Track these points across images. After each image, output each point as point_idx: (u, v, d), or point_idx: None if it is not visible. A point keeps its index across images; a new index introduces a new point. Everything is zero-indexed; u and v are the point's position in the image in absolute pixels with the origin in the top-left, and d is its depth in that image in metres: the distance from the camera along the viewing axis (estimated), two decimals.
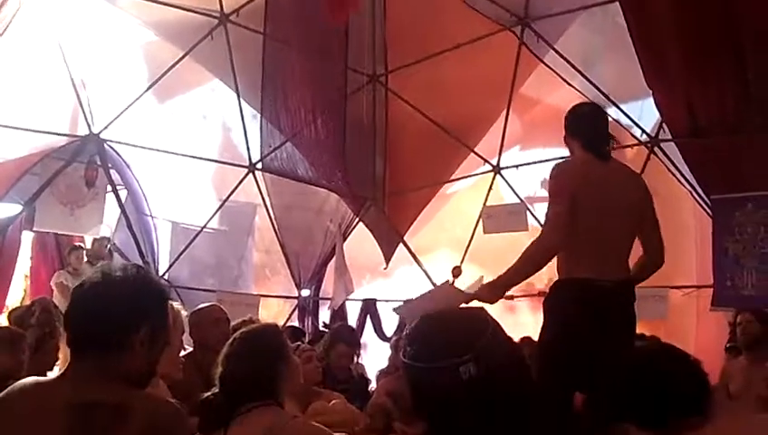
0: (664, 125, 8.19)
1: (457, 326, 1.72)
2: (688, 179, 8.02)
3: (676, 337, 8.28)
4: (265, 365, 2.91)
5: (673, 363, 2.52)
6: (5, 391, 2.08)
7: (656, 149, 8.36)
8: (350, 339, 6.58)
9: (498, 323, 1.75)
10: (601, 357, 3.70)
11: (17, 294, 10.03)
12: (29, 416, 1.97)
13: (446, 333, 1.71)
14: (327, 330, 8.43)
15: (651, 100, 7.93)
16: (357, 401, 5.51)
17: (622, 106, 8.77)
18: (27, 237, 10.04)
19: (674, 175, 8.17)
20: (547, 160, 9.96)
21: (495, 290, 3.87)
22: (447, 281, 3.95)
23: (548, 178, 4.16)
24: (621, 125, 8.80)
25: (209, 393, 2.91)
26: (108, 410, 1.91)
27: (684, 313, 8.25)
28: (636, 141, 8.76)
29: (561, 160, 4.33)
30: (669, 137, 8.11)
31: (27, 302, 8.90)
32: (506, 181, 10.00)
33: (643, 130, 8.63)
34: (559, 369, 3.61)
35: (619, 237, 4.04)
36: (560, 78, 8.66)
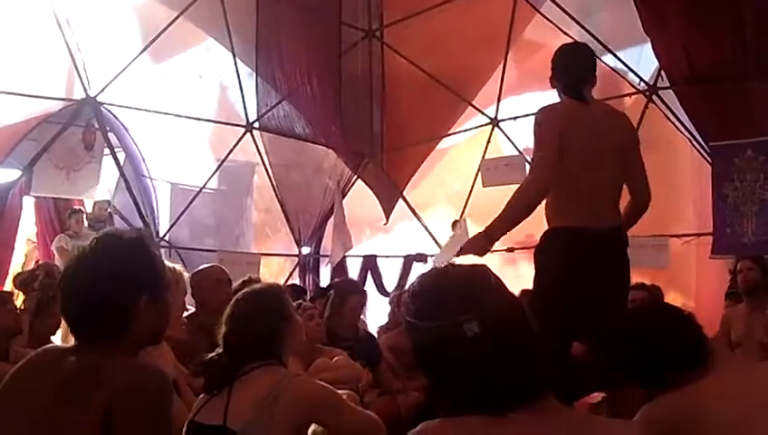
0: (662, 73, 8.15)
1: (460, 284, 1.72)
2: (687, 127, 7.99)
3: (676, 286, 8.34)
4: (267, 325, 2.93)
5: (665, 324, 2.55)
6: (27, 357, 2.15)
7: (654, 97, 8.32)
8: (360, 289, 6.60)
9: (500, 279, 1.76)
10: (595, 305, 3.72)
11: (19, 258, 10.08)
12: (33, 380, 2.02)
13: (448, 290, 1.71)
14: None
15: (649, 47, 7.87)
16: (361, 358, 5.55)
17: (620, 54, 8.72)
18: (29, 202, 10.04)
19: (672, 123, 8.15)
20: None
21: (485, 237, 3.85)
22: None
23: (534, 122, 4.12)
24: (619, 73, 8.76)
25: (213, 354, 2.92)
26: (82, 376, 1.93)
27: (684, 261, 8.28)
28: (634, 90, 8.71)
29: (545, 105, 4.25)
30: (667, 84, 8.07)
31: (28, 267, 8.97)
32: (504, 133, 9.98)
33: (641, 79, 8.58)
34: (553, 318, 3.59)
35: (608, 181, 3.99)
36: (557, 28, 8.58)
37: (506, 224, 3.89)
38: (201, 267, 5.16)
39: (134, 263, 2.10)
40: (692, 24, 7.26)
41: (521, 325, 1.71)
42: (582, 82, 4.12)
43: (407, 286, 8.75)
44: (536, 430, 1.60)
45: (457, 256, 3.92)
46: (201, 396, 2.97)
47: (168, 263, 3.67)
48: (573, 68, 4.19)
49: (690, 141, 8.03)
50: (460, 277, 1.76)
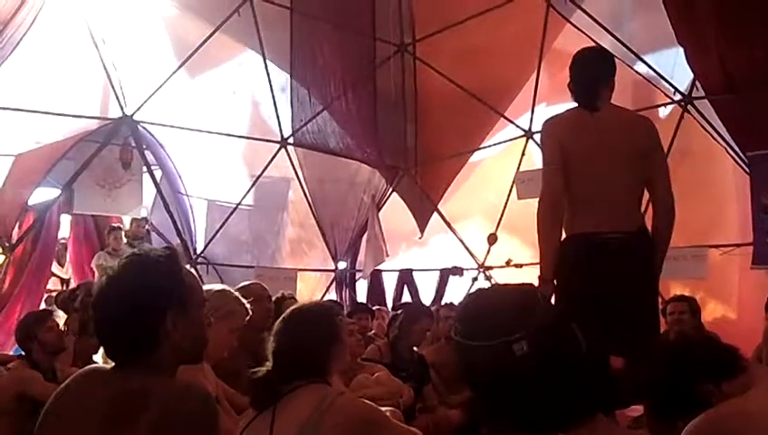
0: (697, 82, 8.07)
1: (508, 303, 1.72)
2: (724, 137, 7.89)
3: (716, 296, 8.23)
4: (318, 344, 2.93)
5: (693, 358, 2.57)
6: (72, 376, 2.16)
7: (689, 107, 8.23)
8: (430, 312, 6.67)
9: (548, 298, 1.76)
10: (615, 311, 3.67)
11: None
12: (78, 403, 2.04)
13: (497, 310, 1.71)
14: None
15: (683, 57, 7.80)
16: (413, 379, 5.60)
17: (653, 63, 8.64)
18: (65, 221, 10.17)
19: (709, 133, 8.05)
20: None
21: (543, 283, 3.85)
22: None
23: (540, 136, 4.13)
24: (653, 83, 8.69)
25: (263, 369, 2.93)
26: (129, 397, 1.95)
27: (724, 271, 8.16)
28: (669, 100, 8.63)
29: (550, 117, 4.23)
30: (702, 94, 7.99)
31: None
32: (538, 145, 9.91)
33: (676, 89, 8.50)
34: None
35: (621, 187, 3.94)
36: (588, 38, 8.54)
37: (548, 254, 3.91)
38: (241, 284, 5.19)
39: (159, 280, 2.09)
40: (726, 33, 7.18)
41: (570, 344, 1.70)
42: (593, 86, 4.07)
43: (443, 300, 8.74)
44: None
45: None
46: (245, 414, 2.99)
47: (230, 290, 3.70)
48: (584, 73, 4.15)
49: (727, 151, 7.93)
50: (508, 296, 1.76)
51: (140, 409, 1.91)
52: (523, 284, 1.83)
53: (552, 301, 3.92)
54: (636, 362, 3.43)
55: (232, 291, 3.71)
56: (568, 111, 4.15)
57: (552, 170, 3.91)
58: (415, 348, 6.26)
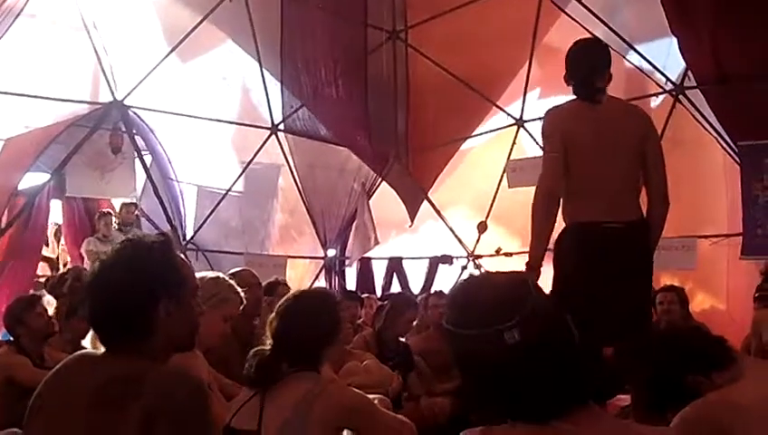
0: (689, 72, 8.07)
1: (500, 291, 1.71)
2: (715, 127, 7.91)
3: (706, 287, 8.27)
4: (320, 333, 2.94)
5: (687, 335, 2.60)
6: (62, 362, 2.17)
7: (681, 97, 8.24)
8: (415, 303, 6.73)
9: (540, 287, 1.75)
10: (612, 299, 3.70)
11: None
12: (69, 388, 2.04)
13: (488, 298, 1.70)
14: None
15: (676, 47, 7.80)
16: (398, 367, 5.63)
17: (646, 53, 8.64)
18: (56, 205, 10.13)
19: (700, 123, 8.07)
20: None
21: (530, 270, 3.85)
22: None
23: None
24: (645, 73, 8.69)
25: (265, 347, 2.93)
26: (119, 383, 1.95)
27: (714, 262, 8.19)
28: (660, 89, 8.64)
29: (551, 107, 4.25)
30: (694, 84, 8.00)
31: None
32: (530, 134, 9.92)
33: (668, 79, 8.51)
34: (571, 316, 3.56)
35: (619, 177, 3.98)
36: (582, 27, 8.53)
37: (539, 242, 3.94)
38: (232, 271, 5.18)
39: (153, 267, 2.10)
40: (719, 23, 7.18)
41: (562, 333, 1.70)
42: (592, 77, 4.09)
43: (433, 289, 8.75)
44: None
45: None
46: (235, 400, 2.99)
47: (224, 277, 3.70)
48: (582, 64, 4.17)
49: (718, 141, 7.95)
50: (500, 285, 1.75)
51: (132, 395, 1.90)
52: (514, 271, 1.82)
53: (549, 290, 3.95)
54: (626, 352, 3.44)
55: (226, 278, 3.70)
56: (569, 101, 4.17)
57: (552, 159, 3.93)
58: (402, 338, 6.29)
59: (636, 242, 3.95)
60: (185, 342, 2.22)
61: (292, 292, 3.12)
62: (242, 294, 3.70)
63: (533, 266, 3.88)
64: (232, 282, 3.71)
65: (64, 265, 9.46)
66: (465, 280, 1.90)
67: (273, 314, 3.01)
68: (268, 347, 2.90)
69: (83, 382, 1.99)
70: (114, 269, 2.07)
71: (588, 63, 4.15)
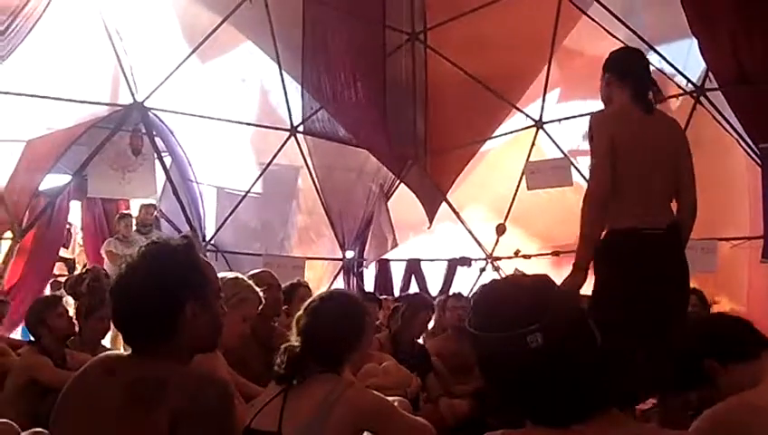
0: (710, 74, 8.02)
1: (524, 295, 1.71)
2: (736, 129, 7.86)
3: (726, 290, 8.21)
4: (349, 336, 2.95)
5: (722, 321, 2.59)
6: (88, 362, 2.20)
7: (702, 98, 8.19)
8: (431, 304, 6.73)
9: (564, 291, 1.76)
10: (657, 305, 3.69)
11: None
12: (95, 390, 2.05)
13: (512, 301, 1.70)
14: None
15: (696, 48, 7.76)
16: (415, 369, 5.62)
17: (666, 54, 8.60)
18: (75, 207, 10.21)
19: (721, 124, 8.02)
20: (591, 113, 9.83)
21: (577, 271, 3.85)
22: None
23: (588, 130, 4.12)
24: (666, 75, 8.65)
25: (294, 344, 2.93)
26: (147, 385, 1.96)
27: (734, 265, 8.15)
28: (681, 91, 8.59)
29: (597, 111, 4.22)
30: (715, 86, 7.95)
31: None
32: (549, 136, 9.89)
33: (689, 80, 8.47)
34: (615, 321, 3.56)
35: (662, 188, 3.98)
36: (602, 29, 8.49)
37: (588, 246, 3.91)
38: (251, 272, 5.20)
39: (179, 269, 2.13)
40: (740, 24, 7.15)
41: (584, 337, 1.70)
42: (646, 85, 4.09)
43: (451, 291, 8.74)
44: None
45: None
46: (257, 400, 3.00)
47: (243, 277, 3.72)
48: (637, 64, 4.19)
49: (739, 143, 7.90)
50: (523, 288, 1.76)
51: (159, 396, 1.93)
52: (538, 275, 1.82)
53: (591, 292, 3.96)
54: (659, 354, 3.44)
55: (245, 278, 3.72)
56: (614, 105, 4.15)
57: (602, 165, 3.91)
58: (418, 340, 6.29)
59: (676, 246, 3.95)
60: (209, 343, 2.24)
61: (321, 292, 3.12)
62: (261, 294, 3.72)
63: (582, 268, 3.88)
64: (250, 282, 3.73)
65: (82, 267, 9.54)
66: (488, 284, 1.92)
67: (302, 311, 3.01)
68: (297, 344, 2.91)
69: (111, 384, 2.02)
70: (140, 272, 2.09)
71: (642, 65, 4.19)
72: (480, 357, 1.75)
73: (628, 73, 4.14)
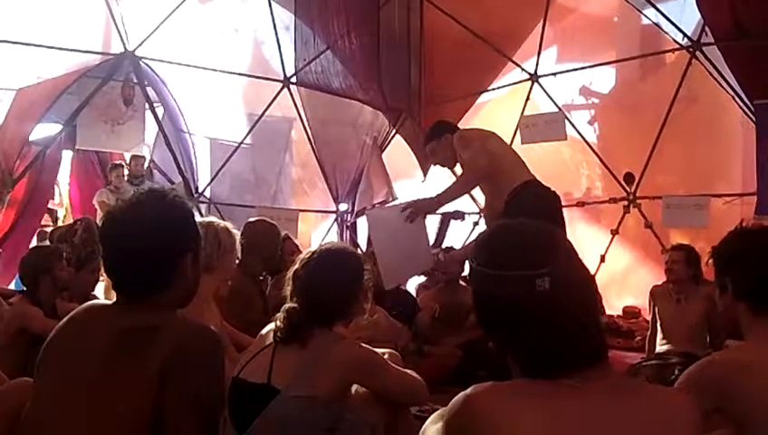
0: (706, 28, 7.95)
1: (535, 238, 1.72)
2: (731, 85, 7.81)
3: None
4: (353, 292, 2.94)
5: None
6: (75, 310, 2.18)
7: (698, 53, 8.13)
8: None
9: (572, 244, 1.75)
10: None
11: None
12: (82, 337, 2.06)
13: (524, 243, 1.70)
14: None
15: (693, 2, 7.67)
16: (402, 314, 5.63)
17: (662, 7, 8.51)
18: (66, 156, 10.17)
19: (716, 80, 7.97)
20: (584, 67, 9.78)
21: None
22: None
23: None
24: (661, 29, 8.59)
25: (294, 305, 2.89)
26: (139, 333, 1.97)
27: (726, 221, 8.13)
28: (677, 45, 8.53)
29: None
30: (711, 41, 7.88)
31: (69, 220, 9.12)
32: (544, 89, 9.83)
33: (684, 34, 8.39)
34: None
35: None
36: None
37: None
38: (251, 220, 5.28)
39: (180, 220, 2.14)
40: None
41: (589, 289, 1.72)
42: None
43: (443, 245, 8.75)
44: (588, 397, 1.60)
45: None
46: (246, 351, 3.01)
47: (226, 224, 3.73)
48: None
49: (734, 99, 7.85)
50: (535, 232, 1.75)
51: (149, 345, 1.93)
52: (548, 225, 1.82)
53: None
54: None
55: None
56: None
57: None
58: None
59: None
60: (190, 297, 2.24)
61: (319, 246, 3.08)
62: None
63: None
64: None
65: (63, 217, 9.54)
66: (499, 223, 1.90)
67: (299, 265, 2.99)
68: (295, 305, 2.89)
69: (99, 332, 2.01)
70: (141, 219, 2.08)
71: None
72: (480, 296, 1.75)
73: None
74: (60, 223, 9.88)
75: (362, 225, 11.21)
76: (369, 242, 7.46)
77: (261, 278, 4.98)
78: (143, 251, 2.05)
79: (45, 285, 4.83)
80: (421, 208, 4.68)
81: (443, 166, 5.50)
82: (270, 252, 4.98)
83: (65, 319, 2.15)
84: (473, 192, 10.80)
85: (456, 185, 5.01)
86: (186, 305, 2.20)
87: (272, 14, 9.77)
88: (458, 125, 10.66)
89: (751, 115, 7.61)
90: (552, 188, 4.97)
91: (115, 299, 2.15)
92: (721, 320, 2.80)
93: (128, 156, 10.14)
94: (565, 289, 1.62)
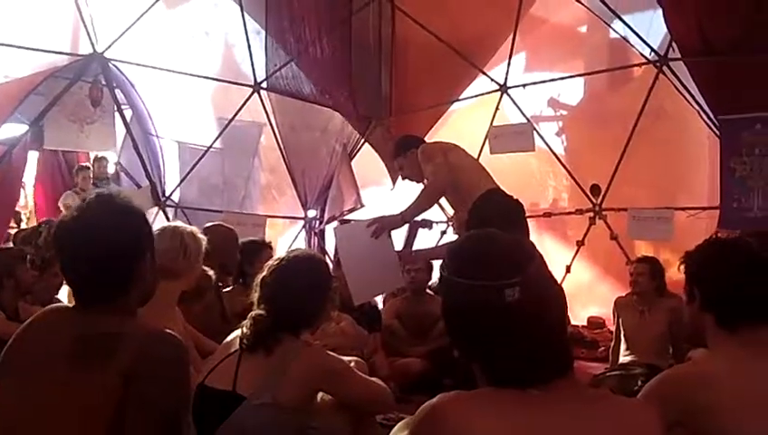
0: (673, 43, 8.05)
1: (507, 249, 1.73)
2: (697, 99, 7.92)
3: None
4: (321, 301, 2.94)
5: None
6: (36, 314, 2.17)
7: (664, 68, 8.23)
8: None
9: (542, 256, 1.77)
10: None
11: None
12: (44, 341, 2.04)
13: (493, 252, 1.72)
14: None
15: (660, 17, 7.77)
16: (364, 323, 5.62)
17: (630, 21, 8.60)
18: (33, 157, 10.05)
19: (682, 95, 8.07)
20: (554, 80, 9.84)
21: None
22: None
23: None
24: (629, 42, 8.68)
25: (260, 311, 2.90)
26: (101, 339, 1.95)
27: (690, 234, 8.23)
28: (644, 60, 8.62)
29: None
30: (678, 55, 7.98)
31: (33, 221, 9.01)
32: (513, 100, 9.88)
33: (652, 49, 8.49)
34: None
35: None
36: None
37: None
38: (208, 224, 5.21)
39: (133, 223, 2.13)
40: None
41: (558, 301, 1.73)
42: None
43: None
44: (554, 407, 1.61)
45: None
46: (210, 358, 3.00)
47: (192, 229, 3.70)
48: None
49: (700, 114, 7.97)
50: (506, 242, 1.77)
51: (112, 350, 1.92)
52: (519, 238, 1.84)
53: None
54: None
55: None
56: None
57: None
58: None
59: None
60: (146, 299, 2.22)
61: (287, 253, 3.07)
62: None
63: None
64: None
65: (27, 219, 9.42)
66: (470, 233, 1.91)
67: (266, 272, 2.97)
68: (263, 312, 2.88)
69: (59, 337, 2.00)
70: (97, 223, 2.05)
71: None
72: (450, 305, 1.76)
73: None
74: (24, 225, 9.76)
75: (331, 232, 11.20)
76: (337, 253, 7.48)
77: (219, 284, 4.92)
78: (101, 259, 2.03)
79: (8, 288, 4.77)
80: (387, 225, 4.72)
81: (411, 180, 5.54)
82: (227, 258, 4.94)
83: (26, 322, 2.14)
84: (441, 201, 10.87)
85: (419, 200, 5.05)
86: (145, 304, 2.19)
87: (243, 18, 9.72)
88: (428, 134, 10.80)
89: (716, 130, 7.72)
90: (515, 197, 5.02)
91: (72, 306, 2.13)
92: (686, 329, 2.84)
93: (92, 156, 10.06)
94: (535, 300, 1.63)
